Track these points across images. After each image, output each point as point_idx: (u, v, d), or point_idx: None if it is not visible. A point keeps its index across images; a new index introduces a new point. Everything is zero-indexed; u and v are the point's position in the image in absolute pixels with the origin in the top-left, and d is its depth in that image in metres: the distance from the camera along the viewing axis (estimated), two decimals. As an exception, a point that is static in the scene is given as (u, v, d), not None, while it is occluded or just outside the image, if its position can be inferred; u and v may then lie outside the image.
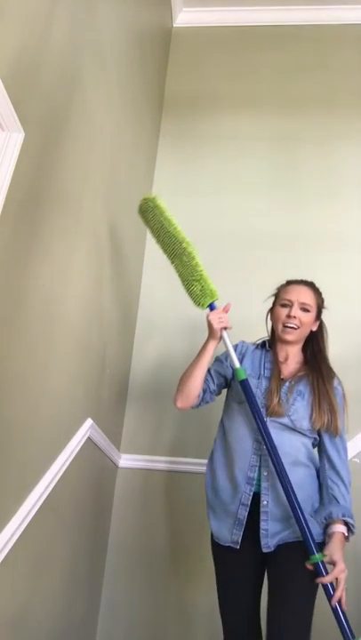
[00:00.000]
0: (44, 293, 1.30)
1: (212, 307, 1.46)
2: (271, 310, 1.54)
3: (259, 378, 1.43)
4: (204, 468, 2.06)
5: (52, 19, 1.29)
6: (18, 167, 1.10)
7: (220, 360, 1.53)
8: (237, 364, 1.40)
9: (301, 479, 1.33)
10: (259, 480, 1.33)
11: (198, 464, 2.00)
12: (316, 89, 2.67)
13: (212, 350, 1.43)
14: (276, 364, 1.45)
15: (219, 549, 1.35)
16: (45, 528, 1.33)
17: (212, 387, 1.49)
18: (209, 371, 1.50)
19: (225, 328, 1.41)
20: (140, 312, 2.29)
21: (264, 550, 1.27)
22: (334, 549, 1.22)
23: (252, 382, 1.40)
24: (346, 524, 1.27)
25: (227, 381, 1.52)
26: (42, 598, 1.34)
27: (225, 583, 1.35)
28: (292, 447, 1.35)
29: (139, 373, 2.18)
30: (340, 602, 1.17)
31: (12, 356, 1.14)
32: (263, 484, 1.32)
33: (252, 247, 2.34)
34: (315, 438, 1.39)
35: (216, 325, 1.40)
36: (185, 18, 2.95)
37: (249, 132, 2.61)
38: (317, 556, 1.19)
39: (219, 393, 1.53)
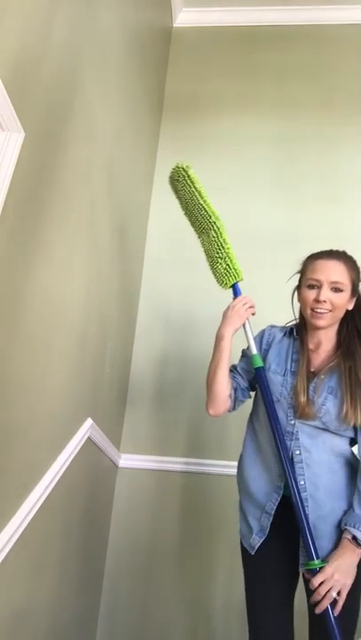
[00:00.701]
0: (44, 293, 1.30)
1: (235, 287, 1.39)
2: (297, 290, 1.35)
3: (284, 374, 1.28)
4: (204, 468, 2.08)
5: (52, 19, 1.29)
6: (18, 167, 1.10)
7: (247, 355, 1.38)
8: (254, 350, 1.30)
9: (340, 487, 1.20)
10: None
11: (199, 464, 2.01)
12: (316, 89, 2.67)
13: (229, 340, 1.31)
14: (305, 354, 1.29)
15: (248, 555, 1.24)
16: (45, 528, 1.33)
17: (243, 383, 1.36)
18: (236, 368, 1.38)
19: (253, 314, 1.33)
20: (140, 312, 2.29)
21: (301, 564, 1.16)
22: (333, 556, 1.12)
23: (277, 379, 1.27)
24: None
25: (250, 381, 1.40)
26: (42, 598, 1.34)
27: (257, 580, 1.23)
28: (327, 452, 1.21)
29: (139, 373, 2.19)
30: (330, 610, 1.08)
31: (12, 355, 1.14)
32: (303, 494, 1.19)
33: (253, 247, 2.34)
34: (353, 436, 1.24)
35: (243, 313, 1.32)
36: (185, 18, 2.95)
37: (249, 132, 2.61)
38: (316, 562, 1.12)
39: (254, 388, 1.39)
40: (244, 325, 1.33)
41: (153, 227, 2.44)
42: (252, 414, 1.38)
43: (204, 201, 1.44)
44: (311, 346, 1.31)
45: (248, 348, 1.33)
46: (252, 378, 1.36)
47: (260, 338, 1.39)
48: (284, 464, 1.19)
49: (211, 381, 1.32)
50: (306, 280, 1.29)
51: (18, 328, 1.16)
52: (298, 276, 1.36)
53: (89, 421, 1.63)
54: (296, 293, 1.37)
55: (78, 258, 1.54)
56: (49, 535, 1.37)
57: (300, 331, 1.36)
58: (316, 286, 1.26)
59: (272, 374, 1.29)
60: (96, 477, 1.77)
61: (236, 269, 1.39)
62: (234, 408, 1.36)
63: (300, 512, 1.15)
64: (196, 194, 1.45)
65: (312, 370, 1.28)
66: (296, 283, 1.37)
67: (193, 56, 2.88)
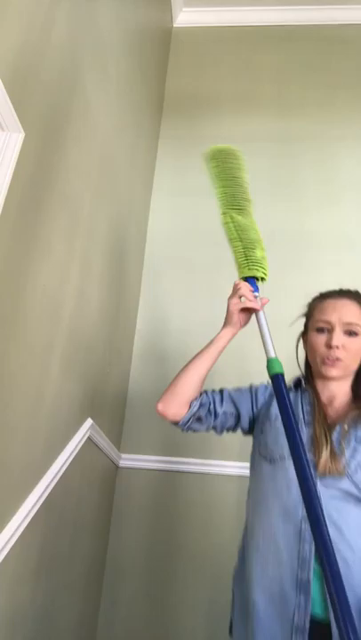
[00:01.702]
0: (44, 293, 1.30)
1: (251, 282, 1.17)
2: (303, 336, 1.19)
3: (298, 424, 1.03)
4: (204, 468, 2.08)
5: (53, 19, 1.29)
6: (18, 167, 1.10)
7: (242, 389, 1.19)
8: (273, 353, 1.06)
9: None
10: (320, 584, 0.88)
11: (199, 464, 2.01)
12: (316, 89, 2.67)
13: (226, 339, 1.13)
14: (317, 407, 1.07)
15: None
16: (45, 528, 1.33)
17: (217, 407, 1.14)
18: (223, 391, 1.18)
19: (262, 304, 1.11)
20: (140, 312, 2.29)
21: None
22: None
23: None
24: None
25: (239, 418, 1.15)
26: (41, 598, 1.34)
27: None
28: None
29: (139, 373, 2.19)
30: None
31: (12, 355, 1.14)
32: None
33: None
34: None
35: (232, 306, 1.11)
36: (185, 18, 2.95)
37: (249, 132, 2.61)
38: None
39: (222, 427, 1.16)
40: (257, 317, 1.12)
41: (153, 226, 2.44)
42: (250, 484, 1.10)
43: (246, 183, 1.38)
44: (324, 399, 1.10)
45: (264, 347, 1.09)
46: (231, 413, 1.15)
47: (253, 390, 1.18)
48: (319, 536, 0.83)
49: (177, 375, 1.12)
50: (314, 323, 1.12)
51: (18, 328, 1.16)
52: (303, 320, 1.19)
53: (89, 421, 1.63)
54: (301, 341, 1.19)
55: (78, 258, 1.54)
56: (49, 535, 1.37)
57: (309, 382, 1.16)
58: (327, 329, 1.08)
59: (280, 424, 1.00)
60: (96, 477, 1.77)
61: (263, 265, 1.19)
62: (187, 424, 1.12)
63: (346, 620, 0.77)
64: (243, 174, 1.38)
65: (328, 422, 1.06)
66: (301, 328, 1.19)
67: (193, 56, 2.88)
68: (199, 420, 1.13)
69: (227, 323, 1.15)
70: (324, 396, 1.11)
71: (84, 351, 1.61)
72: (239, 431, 1.19)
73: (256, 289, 1.16)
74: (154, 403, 2.20)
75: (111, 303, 1.89)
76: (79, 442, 1.54)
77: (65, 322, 1.44)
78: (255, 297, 1.13)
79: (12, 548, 1.13)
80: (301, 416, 1.07)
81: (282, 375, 1.03)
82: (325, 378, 1.10)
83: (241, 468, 1.90)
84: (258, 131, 2.61)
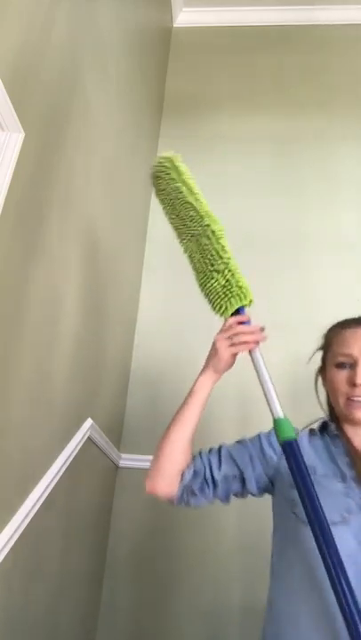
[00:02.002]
0: (44, 293, 1.30)
1: (243, 313, 0.99)
2: (321, 372, 1.04)
3: (344, 479, 0.88)
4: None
5: (53, 18, 1.29)
6: (18, 167, 1.10)
7: (246, 443, 1.00)
8: (280, 412, 0.88)
9: None
10: None
11: (198, 464, 2.01)
12: (316, 89, 2.67)
13: (202, 392, 0.96)
14: (356, 456, 0.91)
15: None
16: (45, 528, 1.33)
17: (214, 473, 0.96)
18: (220, 450, 1.00)
19: (250, 350, 0.93)
20: (140, 311, 2.29)
21: None
22: None
23: (337, 488, 0.86)
24: None
25: (243, 481, 0.96)
26: (42, 598, 1.34)
27: None
28: None
29: (139, 373, 2.18)
30: None
31: (12, 355, 1.14)
32: None
33: (253, 248, 2.34)
34: None
35: (223, 350, 0.93)
36: (185, 18, 2.95)
37: (249, 133, 2.61)
38: None
39: (227, 495, 0.98)
40: (254, 360, 0.93)
41: (153, 226, 2.44)
42: (273, 562, 0.91)
43: (196, 199, 1.07)
44: (358, 444, 0.93)
45: (268, 404, 0.90)
46: (234, 475, 0.96)
47: (264, 440, 0.99)
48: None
49: (159, 443, 0.96)
50: (333, 357, 0.97)
51: (18, 328, 1.16)
52: (319, 354, 1.04)
53: (89, 421, 1.63)
54: (320, 378, 1.04)
55: (78, 257, 1.54)
56: (49, 535, 1.37)
57: (335, 424, 0.99)
58: (349, 364, 0.93)
59: (323, 479, 0.87)
60: (96, 477, 1.77)
61: (240, 287, 0.98)
62: (183, 500, 0.96)
63: None
64: (185, 189, 1.08)
65: None
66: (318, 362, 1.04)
67: (193, 56, 2.88)
68: (195, 493, 0.95)
69: (210, 366, 0.96)
70: (356, 442, 0.93)
71: (83, 351, 1.61)
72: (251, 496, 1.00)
73: (248, 320, 0.97)
74: (154, 403, 2.20)
75: (111, 302, 1.89)
76: (79, 442, 1.54)
77: (65, 321, 1.44)
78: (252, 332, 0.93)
79: (11, 548, 1.13)
80: (346, 470, 0.89)
81: (295, 442, 0.83)
82: (353, 422, 0.93)
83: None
84: (257, 130, 2.61)
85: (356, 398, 0.91)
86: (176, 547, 1.94)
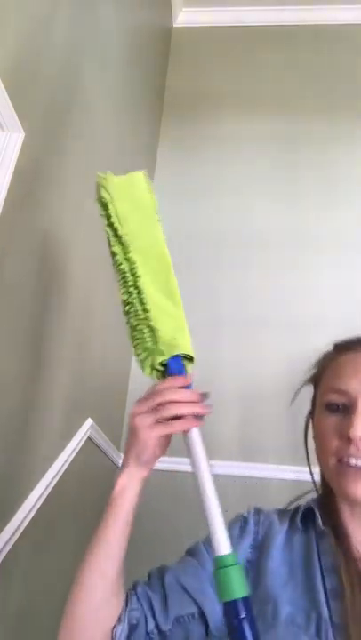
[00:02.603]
0: (44, 293, 1.30)
1: (173, 371, 0.71)
2: (311, 417, 0.72)
3: (319, 629, 0.57)
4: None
5: (53, 18, 1.29)
6: (18, 167, 1.10)
7: (196, 554, 0.74)
8: (226, 548, 0.58)
9: None
10: None
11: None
12: (317, 89, 2.67)
13: (134, 493, 0.69)
14: (345, 563, 0.60)
15: None
16: (45, 528, 1.33)
17: (159, 620, 0.64)
18: (163, 577, 0.72)
19: (184, 431, 0.63)
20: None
21: None
22: None
23: (292, 632, 0.57)
24: None
25: (204, 617, 0.64)
26: (42, 598, 1.34)
27: None
28: None
29: (139, 373, 2.17)
30: None
31: (12, 355, 1.14)
32: None
33: (253, 247, 2.34)
34: None
35: (144, 433, 0.63)
36: (185, 18, 2.95)
37: (249, 132, 2.61)
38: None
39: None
40: (189, 446, 0.65)
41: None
42: None
43: (128, 234, 0.80)
44: (357, 542, 0.63)
45: (212, 535, 0.61)
46: (189, 615, 0.65)
47: (238, 528, 0.72)
48: None
49: (72, 585, 0.66)
50: (322, 394, 0.67)
51: (18, 327, 1.16)
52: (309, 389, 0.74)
53: (89, 421, 1.63)
54: (311, 424, 0.72)
55: (78, 258, 1.54)
56: (49, 535, 1.37)
57: (325, 510, 0.67)
58: (342, 406, 0.63)
59: (285, 629, 0.58)
60: (96, 477, 1.77)
61: (168, 339, 0.70)
62: None
63: None
64: (111, 227, 0.81)
65: None
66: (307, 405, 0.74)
67: (193, 56, 2.88)
68: None
69: (131, 458, 0.66)
70: (356, 538, 0.63)
71: (84, 351, 1.61)
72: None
73: (188, 384, 0.68)
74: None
75: (111, 302, 1.88)
76: (79, 442, 1.54)
77: (65, 321, 1.44)
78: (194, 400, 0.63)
79: (11, 548, 1.13)
80: (322, 608, 0.58)
81: (245, 601, 0.53)
82: (348, 500, 0.63)
83: (241, 468, 1.90)
84: (258, 130, 2.60)
85: (351, 460, 0.59)
86: (176, 549, 1.93)
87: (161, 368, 0.71)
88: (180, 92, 2.78)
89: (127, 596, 0.67)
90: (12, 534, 1.14)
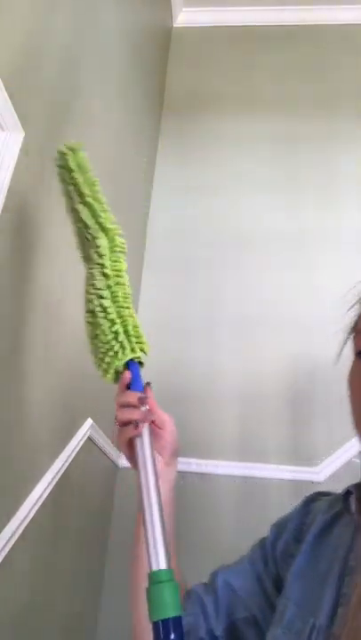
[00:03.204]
0: (45, 293, 1.30)
1: (135, 373, 0.72)
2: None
3: (306, 626, 0.51)
4: (204, 468, 2.07)
5: (53, 18, 1.29)
6: (18, 167, 1.10)
7: (264, 546, 0.68)
8: (163, 563, 0.53)
9: None
10: None
11: (200, 464, 2.00)
12: (317, 89, 2.67)
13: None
14: None
15: None
16: (45, 528, 1.33)
17: (213, 626, 0.62)
18: (215, 579, 0.70)
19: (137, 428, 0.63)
20: (140, 311, 2.29)
21: None
22: None
23: (288, 638, 0.52)
24: None
25: (257, 622, 0.61)
26: (42, 598, 1.34)
27: None
28: None
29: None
30: None
31: (12, 355, 1.14)
32: None
33: (252, 246, 2.34)
34: None
35: (127, 430, 0.64)
36: (185, 18, 2.95)
37: (249, 132, 2.61)
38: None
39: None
40: (138, 456, 0.64)
41: (153, 226, 2.44)
42: None
43: (91, 202, 0.77)
44: None
45: (148, 548, 0.56)
46: (262, 611, 0.60)
47: (269, 550, 0.65)
48: None
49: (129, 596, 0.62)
50: (357, 342, 0.58)
51: (18, 328, 1.16)
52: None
53: (89, 421, 1.63)
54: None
55: (78, 258, 1.53)
56: (49, 535, 1.37)
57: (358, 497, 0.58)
58: None
59: (282, 632, 0.53)
60: (96, 477, 1.77)
61: (123, 341, 0.71)
62: None
63: None
64: (74, 190, 0.79)
65: None
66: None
67: (193, 56, 2.88)
68: None
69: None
70: None
71: (84, 350, 1.60)
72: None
73: (140, 384, 0.68)
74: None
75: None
76: (79, 442, 1.54)
77: (65, 321, 1.44)
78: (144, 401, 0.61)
79: (11, 548, 1.13)
80: (337, 576, 0.52)
81: (176, 621, 0.49)
82: None
83: (241, 468, 1.90)
84: (258, 130, 2.61)
85: None
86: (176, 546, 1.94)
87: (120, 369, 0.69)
88: (180, 92, 2.78)
89: (184, 599, 0.65)
90: (12, 534, 1.14)
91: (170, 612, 0.49)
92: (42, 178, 1.27)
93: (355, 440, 1.93)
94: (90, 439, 1.65)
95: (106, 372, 0.70)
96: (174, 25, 2.95)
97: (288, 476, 1.86)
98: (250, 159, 2.56)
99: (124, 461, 2.03)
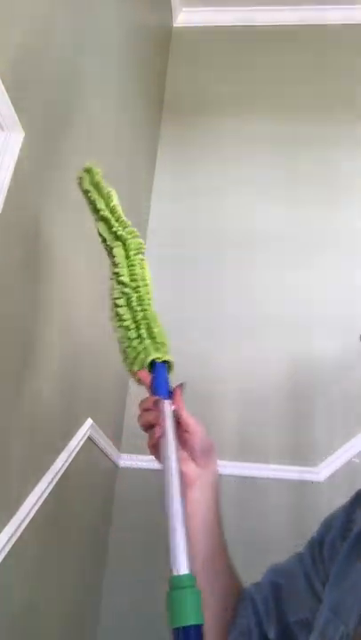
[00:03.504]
0: (44, 294, 1.30)
1: (161, 375, 0.73)
2: None
3: (336, 634, 0.47)
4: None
5: (53, 18, 1.29)
6: (18, 167, 1.10)
7: (312, 545, 0.61)
8: (184, 567, 0.53)
9: None
10: None
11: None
12: (317, 89, 2.67)
13: (196, 509, 0.67)
14: None
15: None
16: (46, 528, 1.33)
17: (266, 629, 0.58)
18: (266, 575, 0.65)
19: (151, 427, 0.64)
20: (140, 312, 2.29)
21: None
22: None
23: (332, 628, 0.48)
24: None
25: (310, 626, 0.54)
26: (42, 598, 1.34)
27: None
28: None
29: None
30: None
31: (12, 355, 1.14)
32: None
33: (253, 248, 2.34)
34: None
35: (154, 437, 0.62)
36: (185, 18, 2.95)
37: (249, 133, 2.61)
38: None
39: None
40: (162, 457, 0.62)
41: (153, 227, 2.44)
42: None
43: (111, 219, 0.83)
44: None
45: (169, 550, 0.55)
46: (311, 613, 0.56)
47: (316, 552, 0.60)
48: None
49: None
50: None
51: (18, 328, 1.16)
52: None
53: (89, 421, 1.63)
54: None
55: (78, 259, 1.54)
56: (49, 535, 1.37)
57: None
58: None
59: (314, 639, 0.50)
60: (96, 477, 1.77)
61: (148, 344, 0.74)
62: None
63: None
64: (93, 209, 0.86)
65: None
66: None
67: (193, 56, 2.88)
68: None
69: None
70: None
71: (84, 350, 1.61)
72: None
73: (162, 387, 0.68)
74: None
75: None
76: (79, 442, 1.54)
77: (65, 321, 1.44)
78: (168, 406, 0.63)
79: (11, 548, 1.13)
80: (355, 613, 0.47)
81: (197, 629, 0.48)
82: None
83: (241, 468, 1.90)
84: (258, 130, 2.60)
85: None
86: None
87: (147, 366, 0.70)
88: (180, 92, 2.78)
89: (242, 597, 0.63)
90: (13, 534, 1.14)
91: (191, 619, 0.47)
92: (42, 178, 1.27)
93: (355, 440, 1.94)
94: (90, 439, 1.65)
95: (132, 376, 0.72)
96: (174, 25, 2.95)
97: (288, 476, 1.86)
98: (250, 159, 2.56)
99: (124, 461, 2.03)
